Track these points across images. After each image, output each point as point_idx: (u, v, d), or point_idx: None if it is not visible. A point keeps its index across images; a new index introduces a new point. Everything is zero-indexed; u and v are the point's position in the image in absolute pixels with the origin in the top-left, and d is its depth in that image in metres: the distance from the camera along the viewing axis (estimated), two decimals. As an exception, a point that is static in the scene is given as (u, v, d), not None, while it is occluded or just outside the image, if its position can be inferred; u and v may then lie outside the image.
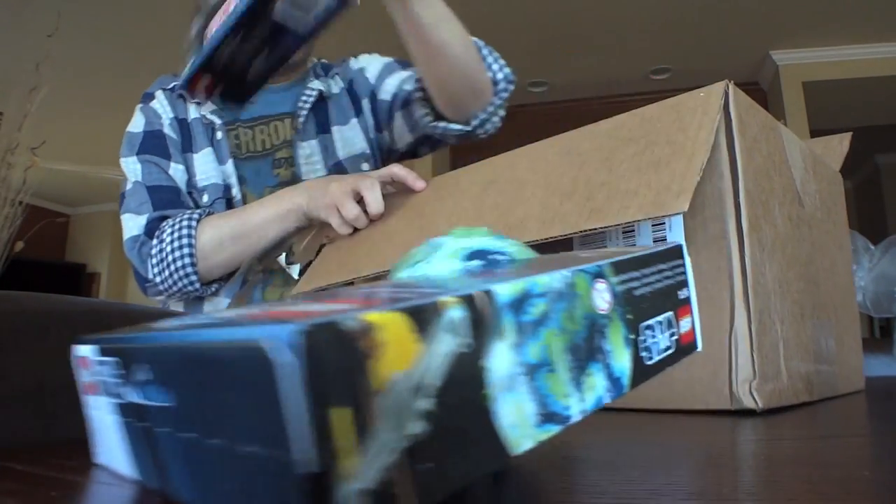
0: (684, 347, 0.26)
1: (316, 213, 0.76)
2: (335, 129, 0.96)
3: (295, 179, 0.93)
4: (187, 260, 0.81)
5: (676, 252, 0.27)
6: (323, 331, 0.14)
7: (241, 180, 0.91)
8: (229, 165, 0.90)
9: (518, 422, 0.18)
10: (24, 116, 2.14)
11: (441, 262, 0.28)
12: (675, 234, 0.49)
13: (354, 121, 0.97)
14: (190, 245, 0.81)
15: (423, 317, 0.16)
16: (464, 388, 0.17)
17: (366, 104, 0.98)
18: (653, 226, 0.50)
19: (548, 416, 0.19)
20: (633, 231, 0.53)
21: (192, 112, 0.93)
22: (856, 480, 0.23)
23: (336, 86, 0.99)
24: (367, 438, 0.14)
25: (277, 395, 0.13)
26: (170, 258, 0.82)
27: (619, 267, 0.23)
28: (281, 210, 0.79)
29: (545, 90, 3.95)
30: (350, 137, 0.96)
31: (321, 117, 0.95)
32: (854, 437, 0.36)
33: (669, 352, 0.25)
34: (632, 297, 0.23)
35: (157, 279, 0.84)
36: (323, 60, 1.04)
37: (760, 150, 0.49)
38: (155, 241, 0.84)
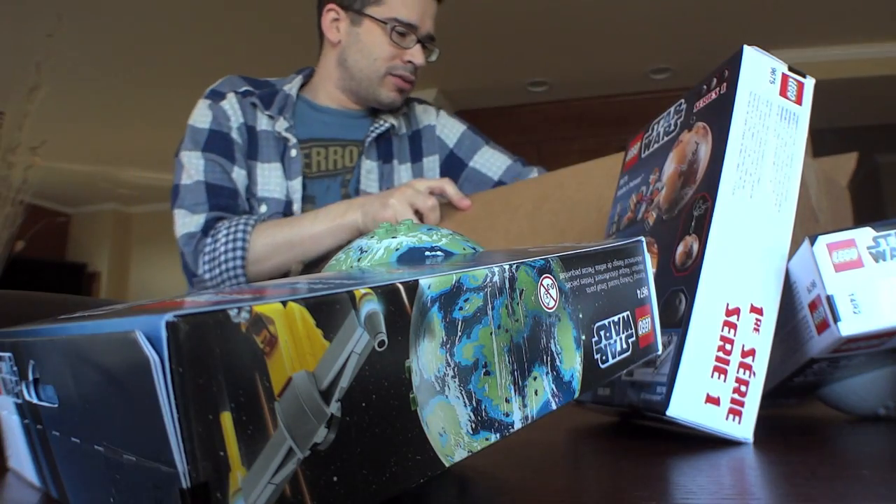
0: (643, 350, 0.25)
1: (374, 227, 0.79)
2: (395, 162, 1.02)
3: (351, 196, 0.97)
4: (238, 262, 0.85)
5: (635, 249, 0.26)
6: (200, 322, 0.12)
7: (306, 199, 0.95)
8: (297, 182, 0.94)
9: (449, 429, 0.17)
10: (24, 116, 2.13)
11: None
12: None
13: (409, 164, 1.04)
14: (243, 248, 0.85)
15: (328, 310, 0.14)
16: (383, 391, 0.15)
17: (433, 161, 1.05)
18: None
19: (484, 423, 0.18)
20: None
21: (263, 123, 0.96)
22: (857, 479, 0.23)
23: (401, 127, 1.05)
24: (258, 447, 0.13)
25: (154, 394, 0.12)
26: (222, 258, 0.85)
27: (569, 262, 0.22)
28: (335, 224, 0.83)
29: (545, 90, 3.93)
30: (403, 177, 1.03)
31: (384, 147, 1.02)
32: (859, 434, 0.36)
33: (626, 354, 0.24)
34: (583, 294, 0.22)
35: (206, 276, 0.87)
36: None
37: None
38: (209, 240, 0.87)
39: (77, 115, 4.00)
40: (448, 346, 0.17)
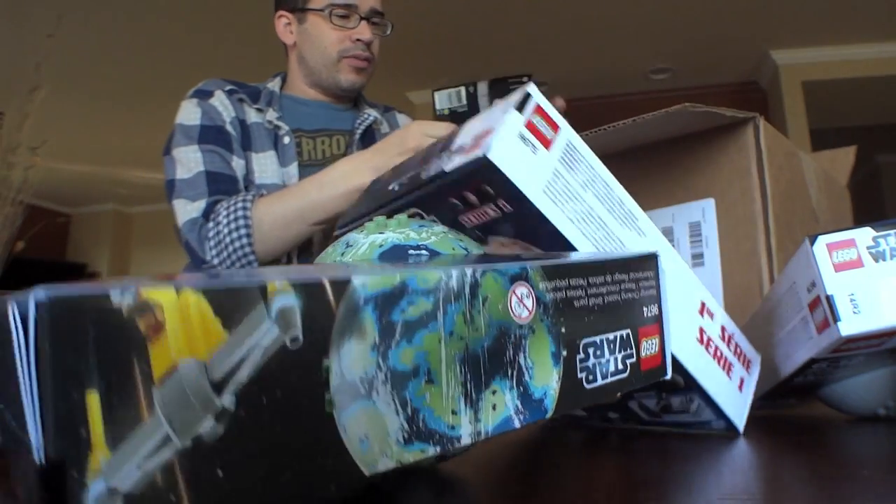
0: (646, 373, 0.23)
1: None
2: None
3: None
4: (245, 240, 0.83)
5: (647, 263, 0.23)
6: (74, 303, 0.12)
7: None
8: (293, 168, 0.95)
9: (372, 436, 0.15)
10: (24, 116, 2.12)
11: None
12: (712, 249, 0.55)
13: None
14: (247, 225, 0.83)
15: (231, 300, 0.13)
16: (290, 388, 0.14)
17: None
18: (691, 241, 0.57)
19: (421, 434, 0.16)
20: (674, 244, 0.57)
21: (253, 116, 0.98)
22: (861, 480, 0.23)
23: (384, 126, 1.09)
24: (127, 430, 0.12)
25: (14, 368, 0.12)
26: (227, 239, 0.84)
27: (553, 271, 0.20)
28: (348, 189, 0.80)
29: (545, 90, 3.92)
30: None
31: (368, 140, 1.04)
32: (859, 434, 0.36)
33: (622, 376, 0.22)
34: (569, 307, 0.20)
35: (215, 260, 0.86)
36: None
37: (784, 176, 0.56)
38: (211, 224, 0.86)
39: (77, 115, 4.01)
40: (381, 348, 0.16)
